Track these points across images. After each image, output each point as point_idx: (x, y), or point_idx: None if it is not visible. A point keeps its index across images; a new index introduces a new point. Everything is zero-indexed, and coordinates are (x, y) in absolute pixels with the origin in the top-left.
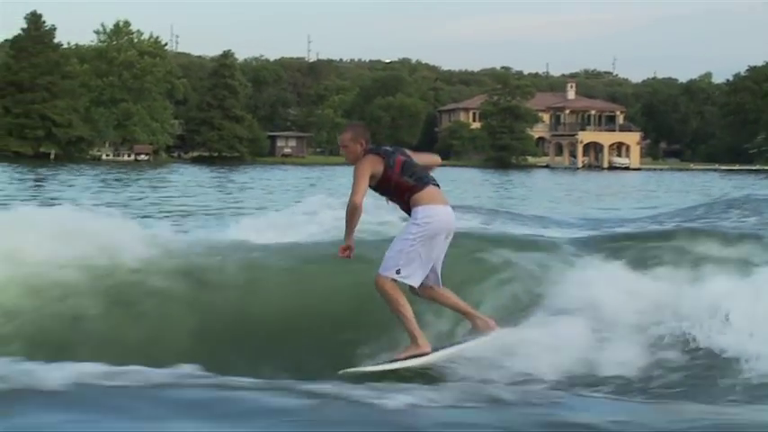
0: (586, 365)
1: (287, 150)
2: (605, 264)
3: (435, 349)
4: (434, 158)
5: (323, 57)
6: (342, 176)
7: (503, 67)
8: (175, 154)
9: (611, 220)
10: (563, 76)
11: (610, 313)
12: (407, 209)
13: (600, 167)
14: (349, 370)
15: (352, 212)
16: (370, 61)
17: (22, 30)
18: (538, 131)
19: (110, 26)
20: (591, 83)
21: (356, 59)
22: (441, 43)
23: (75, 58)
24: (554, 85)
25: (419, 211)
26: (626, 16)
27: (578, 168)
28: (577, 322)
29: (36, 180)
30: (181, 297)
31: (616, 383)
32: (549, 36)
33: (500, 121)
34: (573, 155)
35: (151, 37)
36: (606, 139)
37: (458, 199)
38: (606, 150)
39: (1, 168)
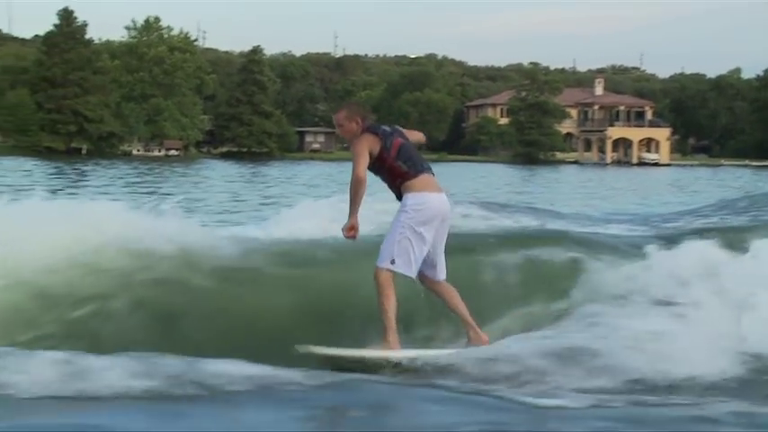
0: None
1: (315, 146)
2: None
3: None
4: (419, 135)
5: (349, 52)
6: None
7: (531, 63)
8: (205, 149)
9: (674, 213)
10: (590, 71)
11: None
12: (399, 194)
13: (629, 163)
14: (307, 347)
15: (357, 185)
16: (396, 56)
17: (55, 26)
18: (565, 127)
19: (140, 22)
20: (618, 78)
21: (381, 55)
22: (467, 39)
23: (106, 54)
24: (581, 80)
25: (408, 198)
26: (653, 11)
27: (607, 164)
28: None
29: (80, 174)
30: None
31: None
32: (575, 31)
33: (528, 116)
34: (602, 150)
35: (181, 33)
36: (636, 134)
37: (497, 197)
38: (636, 146)
39: (48, 163)
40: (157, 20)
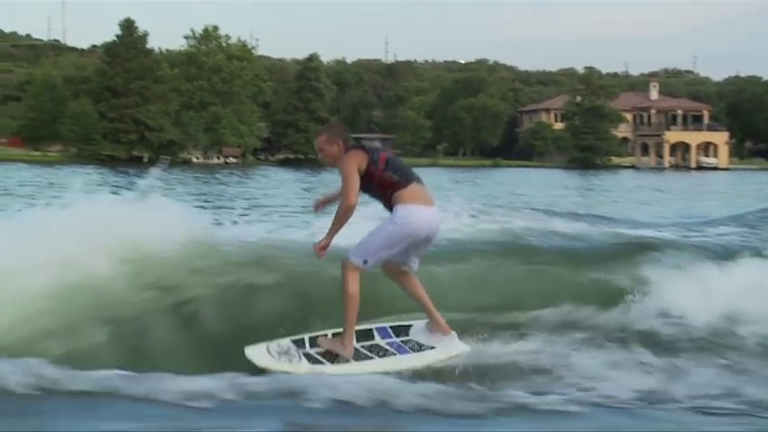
0: None
1: None
2: None
3: (357, 359)
4: None
5: (400, 58)
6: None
7: (586, 68)
8: (262, 156)
9: None
10: (642, 75)
11: None
12: (390, 206)
13: (687, 167)
14: (255, 347)
15: (345, 213)
16: (445, 62)
17: (117, 36)
18: (621, 131)
19: (199, 31)
20: (671, 82)
21: (430, 60)
22: (517, 43)
23: (166, 63)
24: (634, 84)
25: (398, 210)
26: (706, 13)
27: (665, 168)
28: None
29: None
30: None
31: None
32: (627, 34)
33: (584, 121)
34: (659, 155)
35: (239, 41)
36: (693, 138)
37: (574, 206)
38: (694, 150)
39: (123, 171)
40: (216, 29)
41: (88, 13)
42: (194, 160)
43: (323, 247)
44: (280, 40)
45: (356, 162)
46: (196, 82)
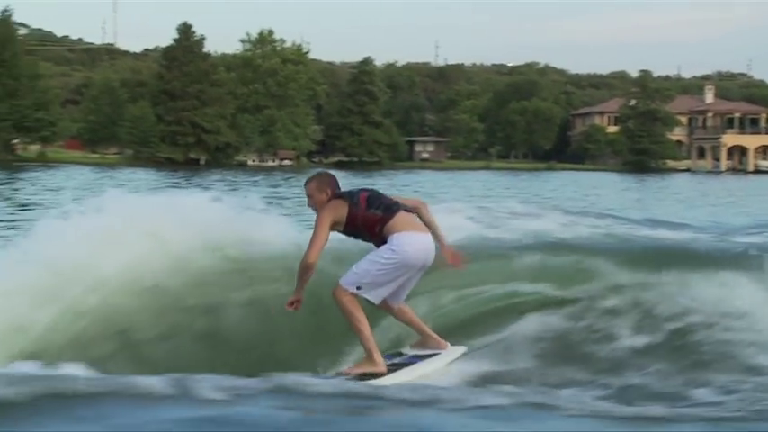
0: None
1: (425, 155)
2: None
3: (391, 370)
4: (417, 202)
5: (448, 61)
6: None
7: (641, 71)
8: (316, 159)
9: None
10: (695, 78)
11: None
12: (381, 242)
13: (744, 171)
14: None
15: (305, 271)
16: (493, 65)
17: (174, 40)
18: (675, 135)
19: (254, 35)
20: (726, 85)
21: (478, 63)
22: (567, 46)
23: (222, 67)
24: (687, 87)
25: (395, 239)
26: (761, 15)
27: (722, 172)
28: None
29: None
30: None
31: None
32: (679, 37)
33: (638, 124)
34: (716, 158)
35: (294, 44)
36: (751, 142)
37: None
38: (751, 153)
39: (187, 173)
40: (271, 33)
41: (138, 17)
42: (250, 163)
43: (293, 302)
44: (328, 44)
45: (332, 215)
46: (252, 85)
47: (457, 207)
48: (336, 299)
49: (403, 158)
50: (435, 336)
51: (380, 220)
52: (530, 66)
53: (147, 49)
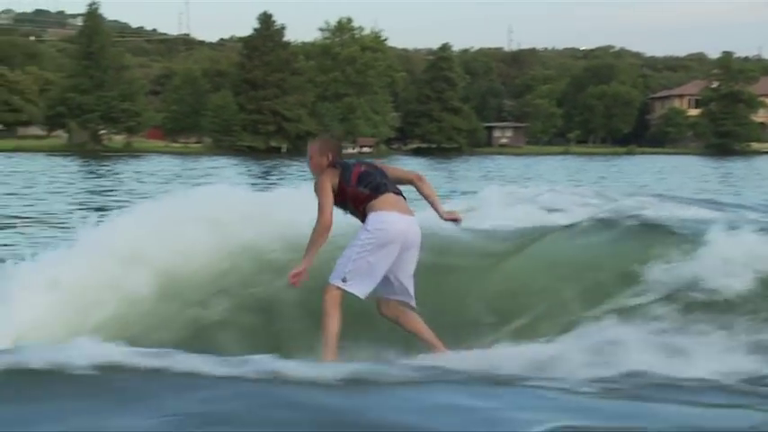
0: None
1: (503, 140)
2: None
3: None
4: (414, 176)
5: (522, 46)
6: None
7: (723, 53)
8: (395, 146)
9: None
10: None
11: None
12: (362, 216)
13: None
14: None
15: (322, 232)
16: (565, 49)
17: (255, 30)
18: (759, 117)
19: (333, 23)
20: None
21: (550, 48)
22: (642, 29)
23: (301, 55)
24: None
25: (370, 218)
26: None
27: None
28: None
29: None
30: None
31: None
32: (759, 18)
33: (721, 107)
34: None
35: (372, 32)
36: None
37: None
38: None
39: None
40: (349, 20)
41: (212, 6)
42: None
43: (297, 273)
44: (401, 31)
45: (329, 180)
46: (331, 73)
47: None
48: (324, 295)
49: (481, 144)
50: (444, 348)
51: (367, 198)
52: (605, 49)
53: (222, 39)
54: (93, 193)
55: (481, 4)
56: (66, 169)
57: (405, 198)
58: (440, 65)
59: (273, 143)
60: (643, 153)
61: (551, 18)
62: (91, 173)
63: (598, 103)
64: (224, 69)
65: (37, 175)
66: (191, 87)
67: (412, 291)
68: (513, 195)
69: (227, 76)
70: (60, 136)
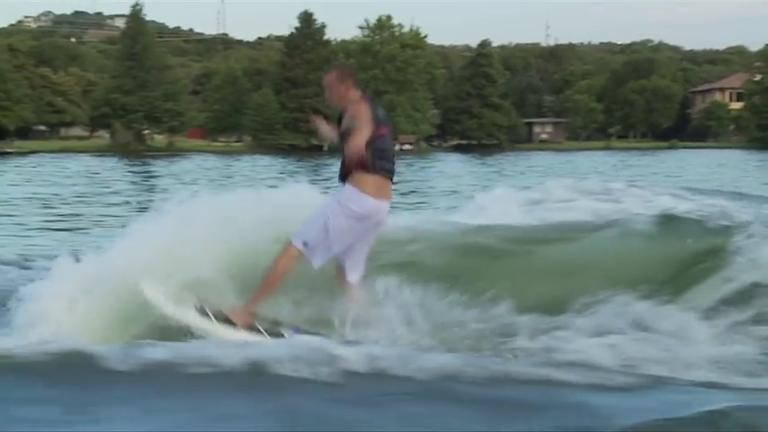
0: None
1: (543, 136)
2: None
3: (254, 328)
4: None
5: (559, 41)
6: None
7: (766, 45)
8: (435, 143)
9: None
10: None
11: None
12: (345, 174)
13: None
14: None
15: (356, 153)
16: (601, 44)
17: (296, 29)
18: None
19: (373, 21)
20: None
21: (586, 42)
22: (680, 22)
23: (342, 54)
24: None
25: (347, 191)
26: None
27: None
28: None
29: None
30: None
31: None
32: None
33: (765, 99)
34: None
35: (411, 30)
36: None
37: None
38: None
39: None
40: (389, 18)
41: (248, 5)
42: None
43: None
44: (437, 28)
45: (367, 109)
46: (371, 71)
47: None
48: (284, 250)
49: (522, 140)
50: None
51: (364, 165)
52: (643, 43)
53: (260, 38)
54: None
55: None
56: (131, 168)
57: (392, 179)
58: (479, 61)
59: (315, 141)
60: (685, 147)
61: (588, 12)
62: (146, 173)
63: (638, 98)
64: (263, 68)
65: (90, 174)
66: (231, 87)
67: (361, 265)
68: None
69: (267, 74)
70: (102, 136)
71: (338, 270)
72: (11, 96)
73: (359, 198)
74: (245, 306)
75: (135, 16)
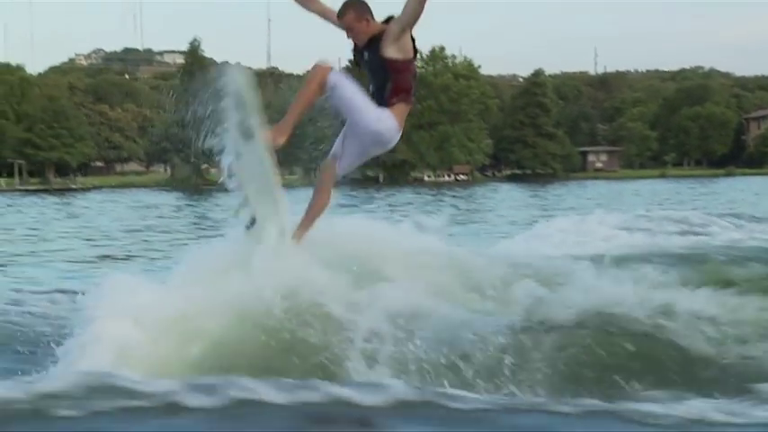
0: None
1: (598, 165)
2: None
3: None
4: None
5: (608, 69)
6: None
7: None
8: (489, 173)
9: None
10: None
11: None
12: (382, 102)
13: None
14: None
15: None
16: (647, 71)
17: (349, 61)
18: None
19: (426, 52)
20: None
21: (632, 69)
22: (729, 48)
23: None
24: None
25: (390, 122)
26: None
27: None
28: None
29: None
30: None
31: None
32: None
33: None
34: None
35: (465, 60)
36: None
37: None
38: None
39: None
40: (442, 49)
41: (292, 38)
42: (426, 178)
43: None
44: (484, 58)
45: (406, 38)
46: (425, 102)
47: None
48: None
49: (576, 169)
50: (302, 232)
51: (407, 95)
52: (693, 70)
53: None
54: None
55: (562, 28)
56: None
57: None
58: (533, 90)
59: (370, 172)
60: (743, 174)
61: (635, 39)
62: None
63: (692, 125)
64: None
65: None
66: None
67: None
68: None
69: (320, 108)
70: (158, 171)
71: (332, 158)
72: (74, 134)
73: (395, 133)
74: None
75: (193, 52)
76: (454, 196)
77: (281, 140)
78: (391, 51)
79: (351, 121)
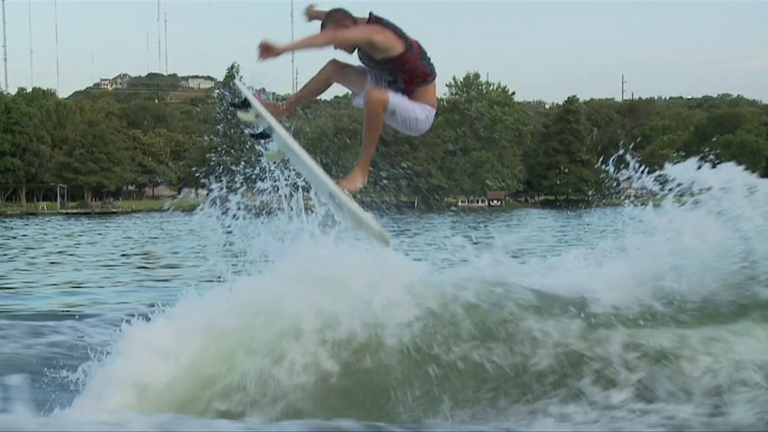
0: None
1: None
2: None
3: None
4: None
5: (635, 96)
6: None
7: None
8: (521, 198)
9: None
10: None
11: None
12: (408, 90)
13: None
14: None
15: (321, 43)
16: (671, 98)
17: None
18: None
19: (461, 79)
20: None
21: (656, 96)
22: (755, 75)
23: None
24: None
25: (427, 110)
26: None
27: None
28: None
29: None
30: None
31: None
32: None
33: None
34: None
35: (499, 87)
36: None
37: None
38: None
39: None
40: (477, 76)
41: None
42: (460, 204)
43: (269, 48)
44: (510, 83)
45: (380, 36)
46: (459, 128)
47: None
48: (375, 98)
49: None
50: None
51: (426, 76)
52: (721, 98)
53: (337, 97)
54: None
55: (590, 56)
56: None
57: None
58: (566, 117)
59: (404, 198)
60: None
61: (662, 66)
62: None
63: (724, 153)
64: (348, 126)
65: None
66: (320, 145)
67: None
68: None
69: (348, 132)
70: (189, 194)
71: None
72: (112, 158)
73: (429, 114)
74: (360, 170)
75: (229, 78)
76: (479, 223)
77: (361, 184)
78: (376, 54)
79: (405, 116)
